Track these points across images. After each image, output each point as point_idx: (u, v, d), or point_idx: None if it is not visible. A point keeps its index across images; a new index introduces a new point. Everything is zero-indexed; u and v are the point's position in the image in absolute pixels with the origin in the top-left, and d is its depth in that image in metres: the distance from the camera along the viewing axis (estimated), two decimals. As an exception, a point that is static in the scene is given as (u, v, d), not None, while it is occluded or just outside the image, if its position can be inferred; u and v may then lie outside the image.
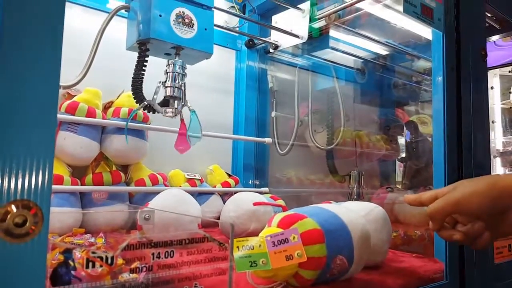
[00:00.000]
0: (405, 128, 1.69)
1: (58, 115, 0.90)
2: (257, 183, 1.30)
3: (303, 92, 1.33)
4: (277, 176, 1.35)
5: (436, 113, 0.81)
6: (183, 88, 0.87)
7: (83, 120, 0.93)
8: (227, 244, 0.44)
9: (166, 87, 0.86)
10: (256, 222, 0.84)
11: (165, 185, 1.08)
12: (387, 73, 1.56)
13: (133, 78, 0.84)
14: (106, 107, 1.06)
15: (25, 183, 0.30)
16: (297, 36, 1.18)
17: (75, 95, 0.98)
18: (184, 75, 0.88)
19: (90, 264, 0.35)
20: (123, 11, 0.88)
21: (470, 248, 0.81)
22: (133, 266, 0.37)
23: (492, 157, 3.01)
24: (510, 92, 3.02)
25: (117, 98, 1.07)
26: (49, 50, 0.33)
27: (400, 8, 0.99)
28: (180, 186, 1.10)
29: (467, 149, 0.83)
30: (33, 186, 0.30)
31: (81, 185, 0.93)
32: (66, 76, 0.75)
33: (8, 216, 0.29)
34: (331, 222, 0.58)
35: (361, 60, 1.45)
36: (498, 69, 3.02)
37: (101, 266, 0.36)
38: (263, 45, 1.32)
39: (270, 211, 0.87)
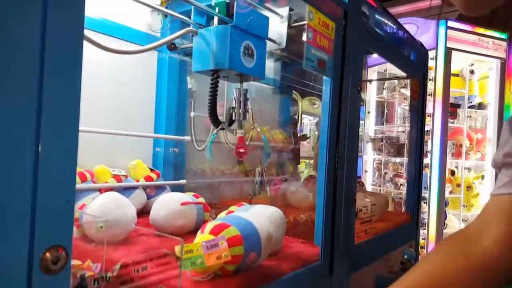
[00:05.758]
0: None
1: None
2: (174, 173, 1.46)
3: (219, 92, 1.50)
4: (193, 169, 1.52)
5: (324, 110, 1.07)
6: (250, 111, 1.03)
7: None
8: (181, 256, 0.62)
9: (235, 111, 1.01)
10: (183, 219, 1.02)
11: (93, 182, 1.17)
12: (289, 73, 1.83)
13: (209, 103, 0.97)
14: None
15: None
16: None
17: None
18: (249, 100, 1.03)
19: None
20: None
21: (338, 233, 1.13)
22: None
23: (365, 142, 3.63)
24: (383, 88, 3.64)
25: None
26: None
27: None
28: (107, 182, 1.20)
29: (342, 138, 1.11)
30: None
31: None
32: None
33: None
34: (248, 228, 0.80)
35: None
36: (377, 67, 3.59)
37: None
38: (184, 47, 1.44)
39: (194, 209, 1.06)
